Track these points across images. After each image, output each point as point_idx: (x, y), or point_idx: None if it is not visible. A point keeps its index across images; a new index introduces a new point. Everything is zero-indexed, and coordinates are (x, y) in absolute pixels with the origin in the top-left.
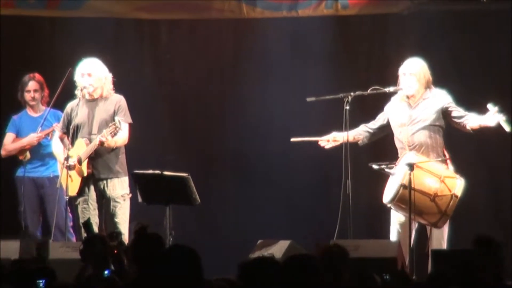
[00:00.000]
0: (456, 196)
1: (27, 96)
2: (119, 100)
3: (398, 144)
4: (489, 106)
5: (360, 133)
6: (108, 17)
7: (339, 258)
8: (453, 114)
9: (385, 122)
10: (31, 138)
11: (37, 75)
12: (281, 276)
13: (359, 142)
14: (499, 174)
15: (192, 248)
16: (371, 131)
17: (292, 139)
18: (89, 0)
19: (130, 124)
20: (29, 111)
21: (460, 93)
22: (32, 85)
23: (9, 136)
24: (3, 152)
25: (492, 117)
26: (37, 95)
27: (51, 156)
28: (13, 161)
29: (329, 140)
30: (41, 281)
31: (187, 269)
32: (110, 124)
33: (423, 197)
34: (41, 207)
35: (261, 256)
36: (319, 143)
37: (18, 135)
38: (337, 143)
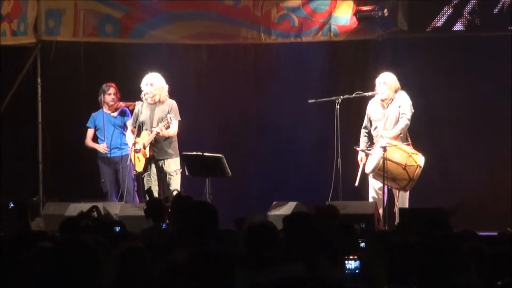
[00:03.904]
0: (420, 166)
1: (109, 98)
2: (172, 103)
3: (374, 133)
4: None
5: (366, 141)
6: (163, 43)
7: (332, 214)
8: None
9: (369, 121)
10: (101, 148)
11: (113, 84)
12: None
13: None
14: (448, 153)
15: (210, 203)
16: (368, 134)
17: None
18: (150, 31)
19: (179, 121)
20: (105, 109)
21: (420, 97)
22: (112, 90)
23: (89, 132)
24: (85, 143)
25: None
26: (115, 97)
27: (123, 142)
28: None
29: (361, 159)
30: (117, 228)
31: (205, 219)
32: (164, 119)
33: (397, 166)
34: (116, 178)
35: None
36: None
37: (96, 127)
38: (365, 158)
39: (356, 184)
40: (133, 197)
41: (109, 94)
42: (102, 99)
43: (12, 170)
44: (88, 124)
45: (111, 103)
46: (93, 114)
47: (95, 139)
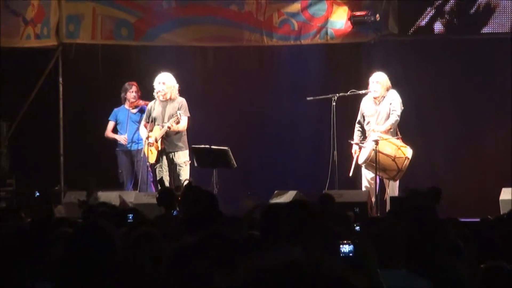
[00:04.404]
0: (408, 158)
1: (130, 95)
2: (182, 101)
3: (366, 128)
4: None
5: (359, 135)
6: (173, 45)
7: (329, 202)
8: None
9: (363, 117)
10: (121, 138)
11: (135, 83)
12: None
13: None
14: (435, 146)
15: (211, 192)
16: (361, 129)
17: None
18: (161, 35)
19: (188, 117)
20: (126, 105)
21: (409, 95)
22: (134, 88)
23: (110, 124)
24: (105, 135)
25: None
26: (136, 95)
27: (139, 137)
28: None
29: (355, 152)
30: (129, 215)
31: (206, 206)
32: (174, 116)
33: (387, 158)
34: (132, 170)
35: (275, 202)
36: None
37: (116, 121)
38: (358, 151)
39: (350, 174)
40: (147, 187)
41: (131, 92)
42: (124, 96)
43: (36, 162)
44: (110, 118)
45: (132, 100)
46: (115, 109)
47: (115, 132)
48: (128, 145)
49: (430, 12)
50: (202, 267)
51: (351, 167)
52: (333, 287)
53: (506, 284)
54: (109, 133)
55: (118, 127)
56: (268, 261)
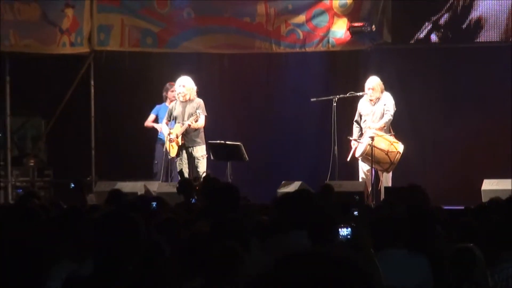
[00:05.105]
0: (400, 153)
1: (171, 94)
2: (200, 101)
3: (363, 125)
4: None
5: (357, 132)
6: (192, 52)
7: (329, 191)
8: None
9: (360, 116)
10: (158, 127)
11: (173, 83)
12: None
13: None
14: (424, 142)
15: (233, 184)
16: (358, 126)
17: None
18: (182, 42)
19: (205, 116)
20: (167, 103)
21: (400, 96)
22: (174, 88)
23: (151, 116)
24: (145, 124)
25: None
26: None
27: None
28: (154, 134)
29: (353, 145)
30: (153, 203)
31: (229, 198)
32: (194, 114)
33: (381, 152)
34: (168, 162)
35: (286, 192)
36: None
37: (157, 115)
38: (356, 144)
39: (348, 159)
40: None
41: (172, 91)
42: (166, 95)
43: (71, 156)
44: (152, 112)
45: (172, 98)
46: (157, 105)
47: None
48: (163, 139)
49: (428, 26)
50: (215, 251)
51: (348, 154)
52: (346, 272)
53: (471, 263)
54: (148, 123)
55: (159, 121)
56: (275, 252)
